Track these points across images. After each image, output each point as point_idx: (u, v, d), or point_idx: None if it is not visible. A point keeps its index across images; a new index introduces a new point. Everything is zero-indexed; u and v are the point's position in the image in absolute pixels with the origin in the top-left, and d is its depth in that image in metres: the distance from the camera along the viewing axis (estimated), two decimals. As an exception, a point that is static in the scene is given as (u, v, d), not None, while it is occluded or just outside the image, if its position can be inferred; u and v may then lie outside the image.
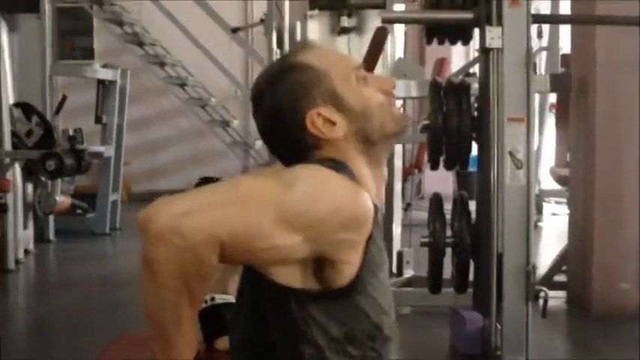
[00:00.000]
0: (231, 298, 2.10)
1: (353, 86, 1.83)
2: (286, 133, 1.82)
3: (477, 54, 5.73)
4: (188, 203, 1.56)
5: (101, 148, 9.38)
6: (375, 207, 1.75)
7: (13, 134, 7.93)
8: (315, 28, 6.02)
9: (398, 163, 6.94)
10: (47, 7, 8.97)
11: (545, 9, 9.05)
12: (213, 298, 2.14)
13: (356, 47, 5.82)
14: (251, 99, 1.87)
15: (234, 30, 10.04)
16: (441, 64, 10.73)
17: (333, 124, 1.80)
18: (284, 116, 1.81)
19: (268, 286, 1.70)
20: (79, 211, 9.72)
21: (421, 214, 6.98)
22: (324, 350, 1.72)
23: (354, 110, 1.82)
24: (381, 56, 5.56)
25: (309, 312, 1.70)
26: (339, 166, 1.75)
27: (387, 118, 1.85)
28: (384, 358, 1.82)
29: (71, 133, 8.43)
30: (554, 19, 7.61)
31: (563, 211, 9.33)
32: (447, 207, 5.05)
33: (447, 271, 5.08)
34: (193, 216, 1.53)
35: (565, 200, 8.65)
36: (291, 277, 1.69)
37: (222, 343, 2.02)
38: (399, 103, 6.67)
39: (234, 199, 1.60)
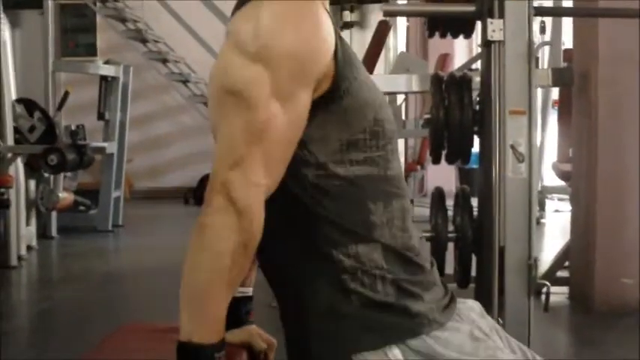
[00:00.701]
0: (248, 291, 2.09)
1: None
2: None
3: (479, 49, 5.72)
4: (230, 167, 1.58)
5: (104, 144, 9.37)
6: None
7: (16, 130, 7.93)
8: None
9: (400, 159, 6.93)
10: (50, 4, 8.98)
11: (548, 2, 9.06)
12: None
13: (358, 41, 5.81)
14: None
15: (237, 26, 10.02)
16: (444, 59, 10.71)
17: None
18: None
19: None
20: (81, 207, 9.74)
21: (424, 211, 6.96)
22: (327, 166, 1.70)
23: None
24: (384, 50, 5.56)
25: (303, 132, 1.67)
26: None
27: None
28: (390, 154, 1.78)
29: (73, 129, 8.42)
30: (556, 12, 7.60)
31: (566, 208, 9.31)
32: (450, 204, 5.04)
33: (449, 265, 5.07)
34: (238, 180, 1.57)
35: (567, 197, 8.63)
36: None
37: (234, 335, 2.00)
38: (400, 97, 6.67)
39: (253, 130, 1.59)
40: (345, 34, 5.89)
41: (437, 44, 10.59)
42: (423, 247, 1.86)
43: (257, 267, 2.01)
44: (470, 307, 1.86)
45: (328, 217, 1.71)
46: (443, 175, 10.36)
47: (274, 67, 1.58)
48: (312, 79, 1.63)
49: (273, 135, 1.59)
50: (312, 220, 1.72)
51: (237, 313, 2.02)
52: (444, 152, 4.92)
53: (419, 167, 11.09)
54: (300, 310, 1.76)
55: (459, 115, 4.73)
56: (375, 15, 5.61)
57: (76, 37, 13.05)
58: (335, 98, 1.68)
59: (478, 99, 4.82)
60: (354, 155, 1.71)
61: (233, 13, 1.71)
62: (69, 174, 8.99)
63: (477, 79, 4.94)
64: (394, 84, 5.50)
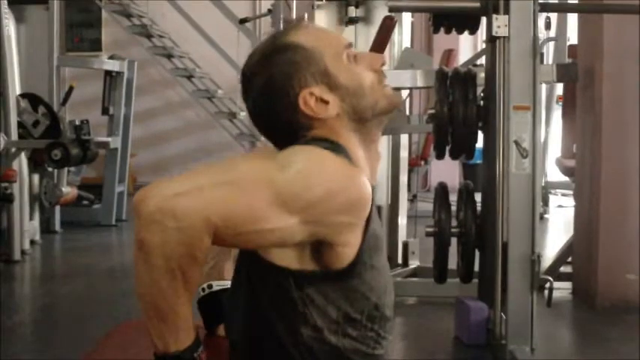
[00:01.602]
0: (228, 284, 2.09)
1: (344, 64, 1.81)
2: (278, 114, 1.80)
3: (484, 45, 5.72)
4: (181, 185, 1.55)
5: (107, 139, 9.37)
6: (372, 187, 1.73)
7: (20, 125, 7.93)
8: (323, 19, 6.01)
9: (404, 154, 6.93)
10: (55, -2, 8.97)
11: (554, -1, 9.04)
12: (210, 286, 2.13)
13: (363, 37, 5.81)
14: (240, 81, 1.85)
15: (242, 21, 10.04)
16: (449, 55, 10.71)
17: (326, 103, 1.78)
18: (276, 97, 1.78)
19: (266, 267, 1.69)
20: (85, 202, 9.74)
21: (427, 206, 6.97)
22: (322, 331, 1.71)
23: (346, 88, 1.79)
24: (388, 46, 5.55)
25: (307, 293, 1.70)
26: (334, 146, 1.74)
27: (379, 95, 1.83)
28: (383, 338, 1.81)
29: (77, 124, 8.42)
30: (562, 8, 7.58)
31: (569, 203, 9.31)
32: (453, 199, 5.05)
33: (453, 261, 5.08)
34: (186, 197, 1.51)
35: (571, 193, 8.63)
36: (289, 258, 1.68)
37: (221, 329, 2.01)
38: (405, 92, 6.67)
39: (227, 180, 1.59)
40: (350, 29, 5.88)
41: (442, 40, 10.58)
42: None
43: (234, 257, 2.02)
44: None
45: None
46: (446, 171, 10.38)
47: (293, 183, 1.59)
48: (315, 223, 1.63)
49: (242, 199, 1.57)
50: None
51: (220, 307, 2.03)
52: (447, 147, 4.93)
53: (422, 162, 11.10)
54: None
55: (463, 111, 4.74)
56: (381, 11, 5.58)
57: (81, 32, 13.05)
58: (346, 277, 1.71)
59: (482, 94, 4.83)
60: (349, 330, 1.74)
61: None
62: (73, 168, 9.00)
63: (481, 75, 4.94)
64: (399, 79, 5.50)
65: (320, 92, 1.78)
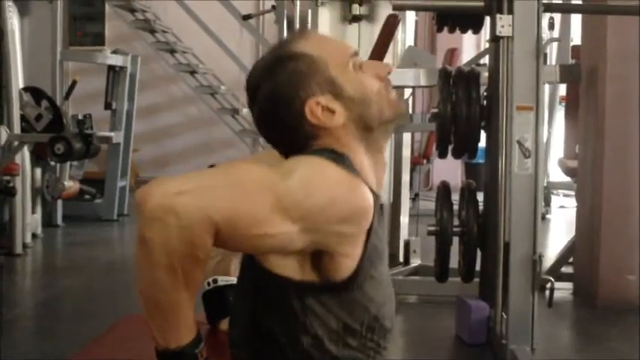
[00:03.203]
0: (233, 280, 2.10)
1: (350, 73, 1.81)
2: (284, 123, 1.80)
3: (487, 45, 5.72)
4: (184, 183, 1.55)
5: (110, 134, 9.37)
6: (376, 196, 1.74)
7: (23, 118, 7.93)
8: (326, 16, 6.00)
9: (406, 153, 6.94)
10: (59, -7, 8.97)
11: (558, -1, 9.03)
12: (215, 280, 2.14)
13: (367, 35, 5.81)
14: (246, 90, 1.85)
15: (245, 17, 10.03)
16: (452, 54, 10.71)
17: (332, 112, 1.78)
18: (281, 106, 1.79)
19: (268, 276, 1.70)
20: (87, 196, 9.73)
21: (429, 205, 6.97)
22: (322, 340, 1.72)
23: (352, 98, 1.80)
24: (392, 44, 5.55)
25: (307, 304, 1.70)
26: (338, 157, 1.74)
27: (385, 104, 1.83)
28: (383, 348, 1.83)
29: (80, 118, 8.42)
30: (566, 8, 7.58)
31: (571, 204, 9.31)
32: (455, 198, 5.05)
33: (454, 260, 5.08)
34: (189, 196, 1.52)
35: (573, 193, 8.63)
36: (290, 268, 1.69)
37: (226, 324, 2.02)
38: (407, 91, 6.67)
39: (230, 182, 1.59)
40: (354, 27, 5.87)
41: (445, 39, 10.59)
42: None
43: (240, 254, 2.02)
44: None
45: None
46: (449, 170, 10.38)
47: (295, 192, 1.60)
48: (315, 231, 1.64)
49: (245, 203, 1.58)
50: None
51: (223, 301, 2.04)
52: (450, 146, 4.93)
53: (425, 161, 11.10)
54: None
55: (466, 110, 4.74)
56: (384, 9, 5.58)
57: (84, 26, 13.04)
58: (346, 288, 1.72)
59: (485, 94, 4.83)
60: (348, 340, 1.75)
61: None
62: (75, 163, 9.00)
63: (484, 75, 4.95)
64: (402, 78, 5.50)
65: (326, 101, 1.78)
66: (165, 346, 1.61)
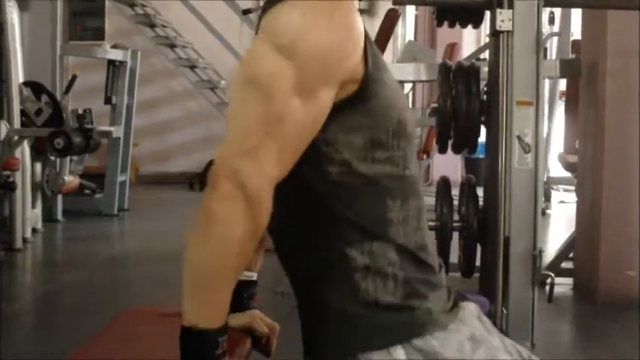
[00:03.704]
0: (253, 276, 2.09)
1: None
2: None
3: (487, 40, 5.71)
4: (242, 145, 1.59)
5: (110, 128, 9.36)
6: None
7: (22, 113, 7.93)
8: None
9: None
10: (59, -13, 8.96)
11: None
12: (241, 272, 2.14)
13: (367, 29, 5.80)
14: None
15: (245, 12, 10.03)
16: (452, 48, 10.70)
17: None
18: None
19: None
20: (87, 191, 9.74)
21: (429, 200, 6.96)
22: (351, 163, 1.71)
23: None
24: (392, 39, 5.55)
25: (328, 130, 1.70)
26: None
27: None
28: (411, 156, 1.80)
29: (80, 112, 8.42)
30: (566, 3, 7.58)
31: (571, 199, 9.31)
32: (455, 193, 5.05)
33: (454, 255, 5.08)
34: (249, 165, 1.56)
35: (573, 188, 8.63)
36: None
37: (236, 319, 2.01)
38: (407, 86, 6.67)
39: (269, 117, 1.60)
40: (357, 11, 5.87)
41: (445, 33, 10.57)
42: (434, 248, 1.88)
43: (263, 252, 2.02)
44: (470, 311, 1.87)
45: (347, 215, 1.72)
46: (449, 165, 10.36)
47: (300, 63, 1.61)
48: (337, 80, 1.66)
49: (289, 128, 1.61)
50: (330, 219, 1.74)
51: (241, 297, 2.03)
52: (450, 141, 4.92)
53: (425, 156, 11.09)
54: (312, 306, 1.80)
55: (466, 105, 4.74)
56: (385, 3, 5.58)
57: (84, 20, 13.04)
58: (363, 99, 1.70)
59: (485, 89, 4.82)
60: (377, 154, 1.73)
61: (264, 9, 1.72)
62: (75, 157, 8.99)
63: (484, 69, 4.94)
64: (402, 73, 5.49)
65: None
66: (194, 324, 1.59)
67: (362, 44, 1.69)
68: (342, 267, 1.73)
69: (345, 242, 1.73)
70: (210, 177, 1.57)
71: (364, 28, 1.73)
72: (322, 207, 1.74)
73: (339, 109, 1.68)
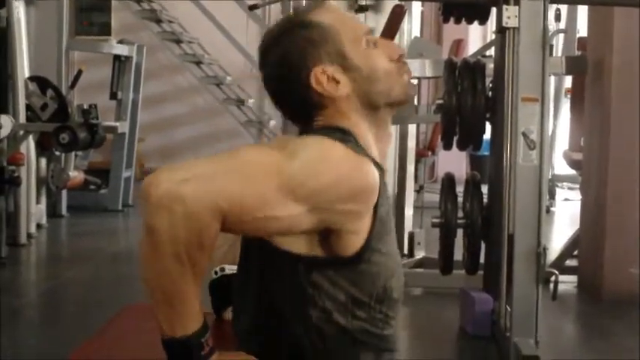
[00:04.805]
0: None
1: (362, 48, 1.83)
2: (290, 88, 1.82)
3: (494, 36, 5.70)
4: (190, 171, 1.56)
5: (115, 123, 9.36)
6: (380, 169, 1.75)
7: (28, 108, 7.92)
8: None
9: (411, 144, 6.92)
10: (65, -18, 8.96)
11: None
12: (222, 269, 2.14)
13: (373, 26, 5.79)
14: (258, 51, 1.88)
15: (252, 7, 9.98)
16: (458, 45, 10.69)
17: (337, 82, 1.80)
18: (289, 71, 1.81)
19: (274, 252, 1.71)
20: (92, 186, 9.74)
21: (433, 197, 6.97)
22: (331, 313, 1.74)
23: (359, 71, 1.81)
24: (398, 35, 5.54)
25: (315, 278, 1.72)
26: (345, 136, 1.75)
27: (394, 84, 1.84)
28: (392, 318, 1.83)
29: (86, 107, 8.42)
30: (572, 0, 7.57)
31: (576, 196, 9.30)
32: (460, 190, 5.04)
33: (458, 252, 5.07)
34: (194, 183, 1.53)
35: (578, 186, 8.62)
36: (297, 244, 1.70)
37: (228, 314, 2.02)
38: (414, 82, 6.65)
39: (235, 167, 1.61)
40: (360, 17, 5.85)
41: (451, 30, 10.58)
42: None
43: None
44: None
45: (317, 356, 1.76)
46: (454, 162, 10.36)
47: (299, 173, 1.62)
48: (320, 210, 1.65)
49: (249, 185, 1.59)
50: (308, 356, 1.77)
51: (230, 290, 2.04)
52: (455, 138, 4.92)
53: (430, 153, 11.08)
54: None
55: (472, 102, 4.73)
56: (390, -1, 5.57)
57: (90, 16, 13.03)
58: (354, 263, 1.73)
59: (491, 85, 4.82)
60: (357, 312, 1.77)
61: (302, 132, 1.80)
62: (80, 153, 8.99)
63: (490, 66, 4.93)
64: (407, 69, 5.47)
65: (333, 71, 1.80)
66: (171, 335, 1.60)
67: (372, 205, 1.71)
68: None
69: None
70: (143, 190, 1.55)
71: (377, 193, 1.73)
72: (299, 343, 1.76)
73: (328, 263, 1.71)
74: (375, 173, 1.70)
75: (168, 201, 1.51)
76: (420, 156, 10.09)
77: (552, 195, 9.88)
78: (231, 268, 2.10)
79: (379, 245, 1.75)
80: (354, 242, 1.71)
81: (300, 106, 1.83)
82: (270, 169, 1.59)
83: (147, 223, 1.54)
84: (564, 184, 11.10)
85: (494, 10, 4.81)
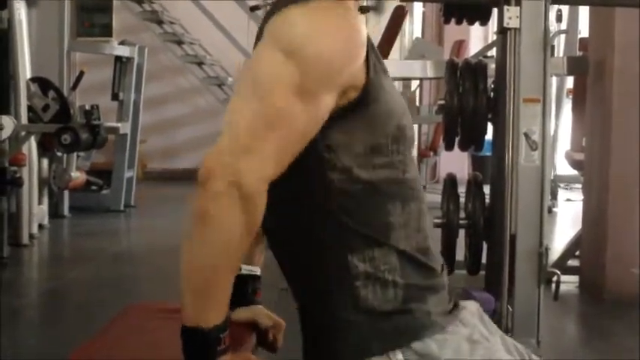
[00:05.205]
0: (256, 270, 2.09)
1: None
2: None
3: (495, 37, 5.71)
4: (235, 143, 1.57)
5: (117, 124, 9.37)
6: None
7: (30, 109, 7.94)
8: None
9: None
10: (67, -16, 8.97)
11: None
12: (239, 268, 2.14)
13: (374, 26, 5.80)
14: None
15: (253, 8, 10.01)
16: (459, 46, 10.69)
17: None
18: None
19: None
20: (94, 187, 9.75)
21: (435, 197, 6.96)
22: (351, 170, 1.72)
23: None
24: (399, 36, 5.55)
25: (331, 138, 1.71)
26: None
27: None
28: (410, 160, 1.82)
29: (87, 108, 8.43)
30: (573, 0, 7.58)
31: (578, 197, 9.30)
32: (462, 190, 5.04)
33: (460, 252, 5.07)
34: (244, 162, 1.55)
35: (580, 186, 8.62)
36: None
37: (239, 314, 2.01)
38: (414, 83, 6.66)
39: (272, 119, 1.60)
40: (361, 19, 5.86)
41: (452, 31, 10.57)
42: (438, 249, 1.89)
43: (266, 247, 2.02)
44: (471, 312, 1.88)
45: (349, 223, 1.73)
46: (455, 162, 10.35)
47: (304, 67, 1.61)
48: (338, 85, 1.67)
49: (287, 129, 1.61)
50: (332, 226, 1.74)
51: (245, 291, 2.03)
52: (457, 139, 4.91)
53: (432, 153, 11.09)
54: (311, 311, 1.82)
55: (473, 102, 4.72)
56: (392, 0, 5.57)
57: (92, 17, 13.05)
58: (363, 105, 1.71)
59: (493, 86, 4.81)
60: (376, 159, 1.74)
61: (269, 14, 1.73)
62: (82, 153, 9.01)
63: (492, 67, 4.93)
64: (409, 69, 5.49)
65: None
66: (195, 323, 1.60)
67: (364, 51, 1.71)
68: (343, 274, 1.73)
69: (346, 250, 1.73)
70: (202, 175, 1.56)
71: (366, 33, 1.74)
72: (324, 214, 1.74)
73: (340, 115, 1.70)
74: (362, 25, 1.72)
75: (227, 187, 1.54)
76: (422, 156, 10.11)
77: (554, 195, 9.89)
78: (247, 269, 2.09)
79: (380, 80, 1.75)
80: (357, 84, 1.70)
81: None
82: (289, 89, 1.60)
83: (201, 207, 1.56)
84: (566, 184, 11.11)
85: (495, 10, 4.80)
